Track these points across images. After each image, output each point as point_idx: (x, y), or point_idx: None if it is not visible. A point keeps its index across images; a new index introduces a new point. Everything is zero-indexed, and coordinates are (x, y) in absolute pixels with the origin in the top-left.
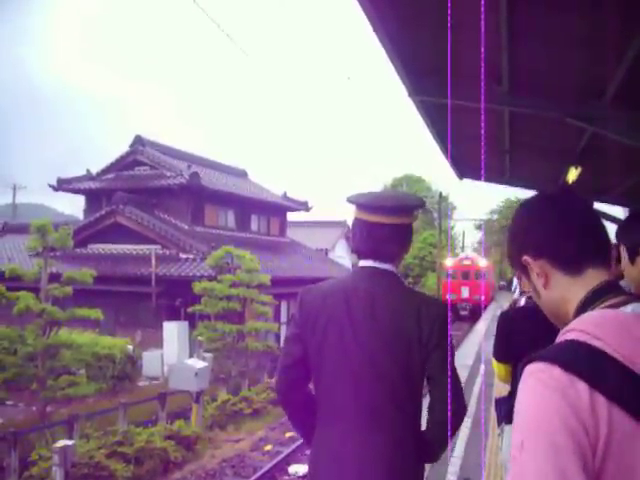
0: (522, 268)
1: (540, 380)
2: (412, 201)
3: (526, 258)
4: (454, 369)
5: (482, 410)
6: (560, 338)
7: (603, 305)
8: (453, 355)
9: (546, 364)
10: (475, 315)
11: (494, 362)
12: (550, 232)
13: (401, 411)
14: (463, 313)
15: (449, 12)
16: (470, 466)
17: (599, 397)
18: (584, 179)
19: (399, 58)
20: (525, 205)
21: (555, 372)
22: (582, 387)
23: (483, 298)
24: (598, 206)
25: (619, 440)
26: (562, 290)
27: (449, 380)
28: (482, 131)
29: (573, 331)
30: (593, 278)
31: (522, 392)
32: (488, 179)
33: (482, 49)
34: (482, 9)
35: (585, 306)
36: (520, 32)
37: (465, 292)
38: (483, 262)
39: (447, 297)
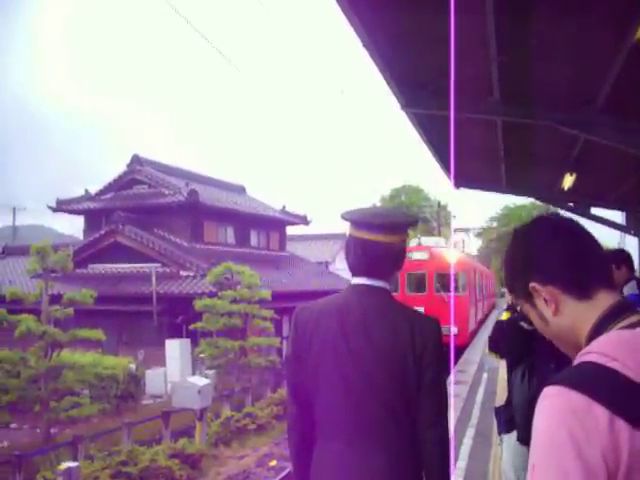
0: (526, 297)
1: (555, 405)
2: (405, 219)
3: (534, 285)
4: (445, 389)
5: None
6: (578, 360)
7: (618, 326)
8: (444, 376)
9: (563, 388)
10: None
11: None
12: (558, 257)
13: (399, 425)
14: None
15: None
16: (474, 476)
17: (619, 421)
18: (580, 185)
19: (390, 73)
20: (523, 232)
21: (572, 396)
22: (600, 411)
23: (456, 331)
24: (595, 211)
25: None
26: (573, 315)
27: (437, 400)
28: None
29: (591, 353)
30: (604, 300)
31: (537, 415)
32: (484, 187)
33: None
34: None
35: (599, 329)
36: (508, 44)
37: None
38: (454, 256)
39: None
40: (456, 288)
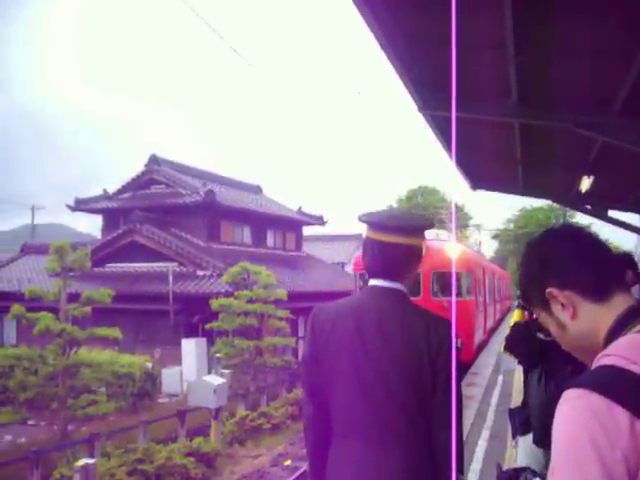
0: (542, 304)
1: (575, 407)
2: (422, 221)
3: (551, 290)
4: (460, 390)
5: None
6: (596, 363)
7: (635, 329)
8: (460, 377)
9: (584, 390)
10: None
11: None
12: (574, 261)
13: (414, 426)
14: None
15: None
16: (489, 478)
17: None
18: (597, 187)
19: (408, 75)
20: (537, 241)
21: (593, 399)
22: (621, 413)
23: (458, 344)
24: (612, 214)
25: None
26: (591, 319)
27: (452, 403)
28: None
29: (610, 356)
30: (620, 302)
31: (557, 418)
32: (501, 189)
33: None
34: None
35: (616, 331)
36: (526, 46)
37: None
38: (456, 252)
39: None
40: (459, 291)
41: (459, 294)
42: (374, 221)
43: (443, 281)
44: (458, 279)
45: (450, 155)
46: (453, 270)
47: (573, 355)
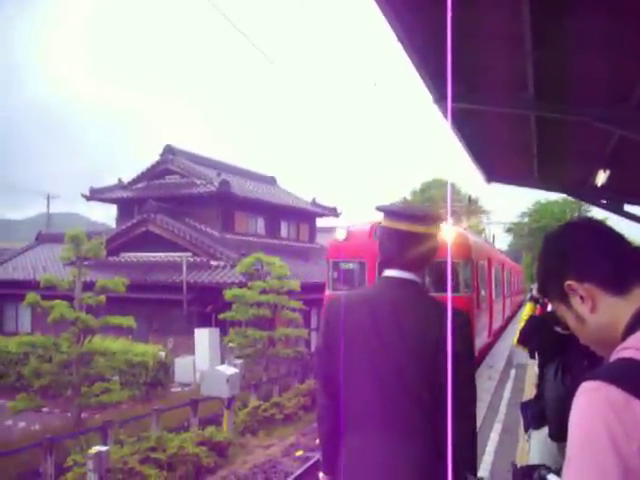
0: (561, 297)
1: (593, 399)
2: (438, 212)
3: (570, 283)
4: (473, 382)
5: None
6: (615, 356)
7: None
8: (474, 367)
9: (601, 383)
10: None
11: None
12: (594, 254)
13: (428, 416)
14: None
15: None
16: (501, 471)
17: None
18: (613, 182)
19: (424, 67)
20: (556, 234)
21: (611, 391)
22: (638, 406)
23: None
24: (629, 208)
25: None
26: (610, 312)
27: (466, 393)
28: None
29: (629, 349)
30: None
31: (574, 410)
32: (516, 182)
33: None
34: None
35: (634, 325)
36: (544, 39)
37: None
38: (452, 236)
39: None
40: (456, 285)
41: (456, 289)
42: (393, 210)
43: (436, 273)
44: (454, 270)
45: (462, 146)
46: (449, 260)
47: (591, 349)
